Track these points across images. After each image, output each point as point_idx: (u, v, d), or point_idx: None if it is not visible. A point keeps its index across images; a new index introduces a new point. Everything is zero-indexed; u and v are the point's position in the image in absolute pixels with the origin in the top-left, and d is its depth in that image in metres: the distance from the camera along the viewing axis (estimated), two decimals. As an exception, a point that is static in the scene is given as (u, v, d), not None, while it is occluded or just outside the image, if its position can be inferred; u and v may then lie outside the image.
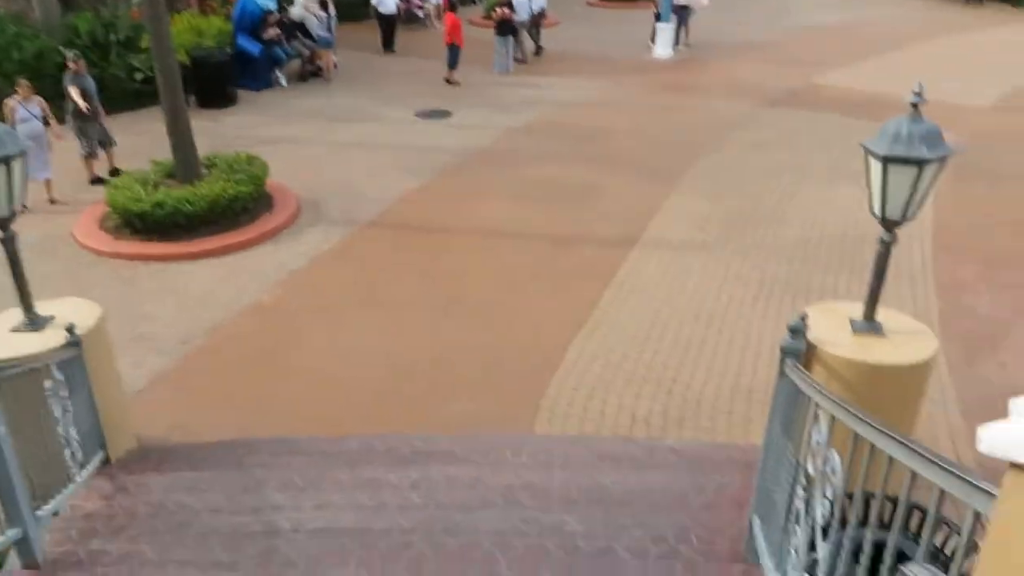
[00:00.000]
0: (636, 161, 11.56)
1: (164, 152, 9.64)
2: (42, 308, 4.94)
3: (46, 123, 9.97)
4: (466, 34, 16.13)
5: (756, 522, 3.71)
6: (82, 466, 4.70)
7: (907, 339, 4.83)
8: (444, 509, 4.20)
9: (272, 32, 15.33)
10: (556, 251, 8.81)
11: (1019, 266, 8.43)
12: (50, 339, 4.71)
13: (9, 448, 3.50)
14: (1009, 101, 14.84)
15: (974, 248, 8.69)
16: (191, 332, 7.29)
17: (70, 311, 5.01)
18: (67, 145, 10.39)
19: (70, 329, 4.68)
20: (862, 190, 10.63)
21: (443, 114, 13.91)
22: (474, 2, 25.54)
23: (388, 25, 18.47)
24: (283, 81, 15.78)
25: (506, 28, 16.51)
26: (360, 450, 5.19)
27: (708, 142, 12.36)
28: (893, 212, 4.59)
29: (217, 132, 12.59)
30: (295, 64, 16.29)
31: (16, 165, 4.43)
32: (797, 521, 2.93)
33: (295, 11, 16.52)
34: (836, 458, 2.53)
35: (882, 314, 4.98)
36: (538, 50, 18.49)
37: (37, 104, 9.87)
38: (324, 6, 16.11)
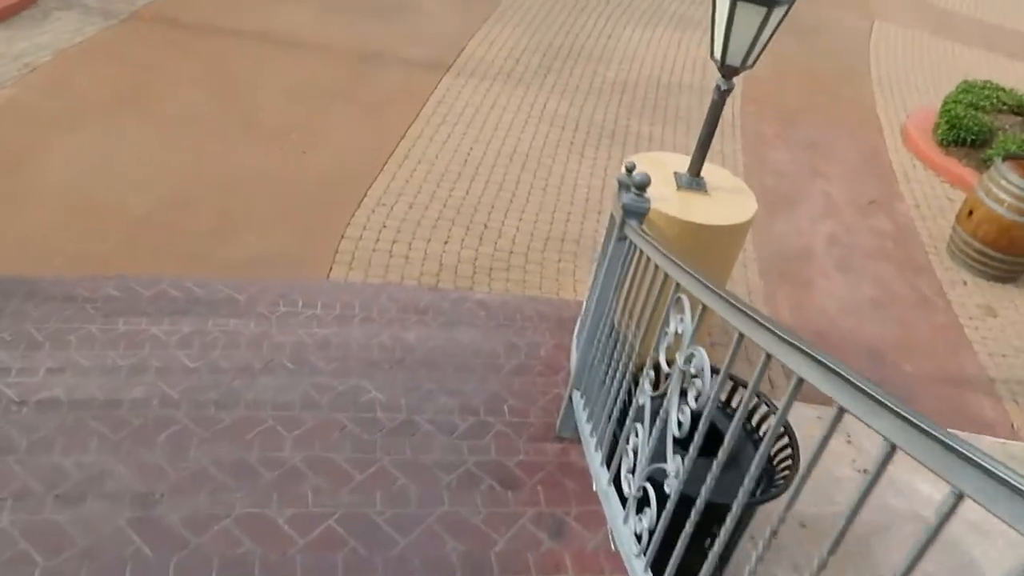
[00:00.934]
0: (453, -23, 10.49)
1: None
2: None
3: None
4: None
5: (576, 398, 3.47)
6: None
7: (729, 197, 4.69)
8: (219, 373, 3.57)
9: None
10: (364, 71, 7.84)
11: (809, 123, 8.71)
12: None
13: None
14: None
15: (774, 103, 8.83)
16: None
17: None
18: None
19: None
20: (680, 34, 10.33)
21: None
22: None
23: None
24: None
25: None
26: (119, 296, 4.34)
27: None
28: (734, 58, 4.26)
29: None
30: None
31: None
32: (640, 419, 2.66)
33: None
34: (704, 356, 2.21)
35: (704, 169, 4.78)
36: None
37: None
38: None
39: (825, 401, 1.68)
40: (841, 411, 1.62)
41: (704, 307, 2.29)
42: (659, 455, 2.46)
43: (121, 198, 5.57)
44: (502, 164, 6.87)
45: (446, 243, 5.80)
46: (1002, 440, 5.10)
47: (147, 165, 5.95)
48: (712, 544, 2.12)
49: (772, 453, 3.34)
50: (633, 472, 2.69)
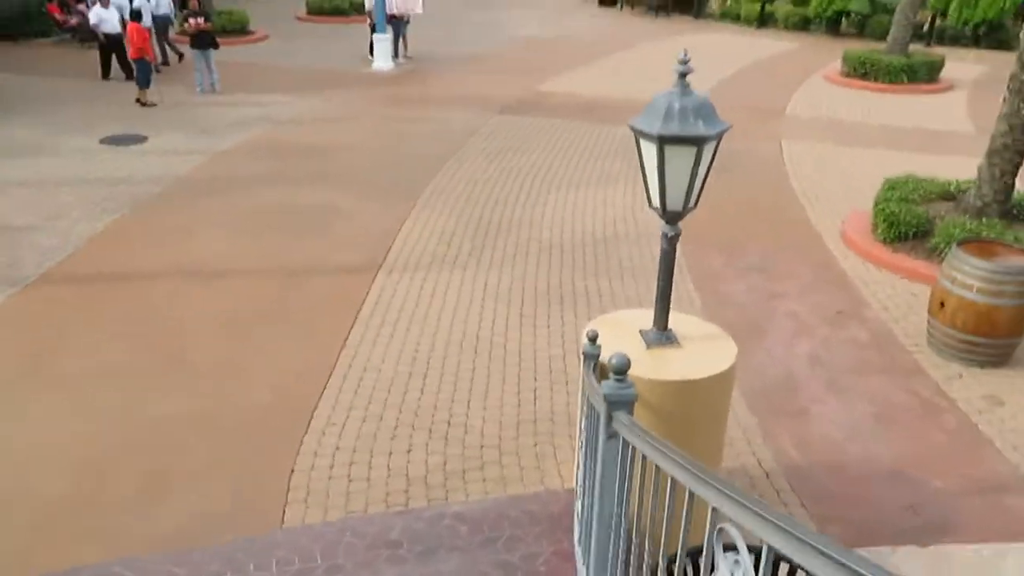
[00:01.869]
0: (369, 179, 10.51)
1: None
2: None
3: None
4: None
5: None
6: None
7: (704, 345, 4.27)
8: None
9: None
10: (290, 287, 7.49)
11: (752, 251, 8.60)
12: None
13: None
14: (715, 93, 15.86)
15: (711, 236, 8.74)
16: None
17: None
18: None
19: None
20: (602, 191, 10.31)
21: (136, 139, 11.84)
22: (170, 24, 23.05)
23: (113, 47, 15.40)
24: (-83, 112, 12.65)
25: (203, 40, 14.61)
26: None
27: (443, 154, 11.65)
28: (674, 202, 4.00)
29: None
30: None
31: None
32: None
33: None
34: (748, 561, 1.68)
35: (670, 320, 4.40)
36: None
37: None
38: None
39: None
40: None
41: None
42: None
43: (25, 482, 4.87)
44: (453, 353, 6.42)
45: (409, 452, 5.20)
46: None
47: (56, 436, 5.30)
48: None
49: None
50: None
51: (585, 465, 3.32)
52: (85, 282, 7.54)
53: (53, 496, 4.76)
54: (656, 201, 4.01)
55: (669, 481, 2.24)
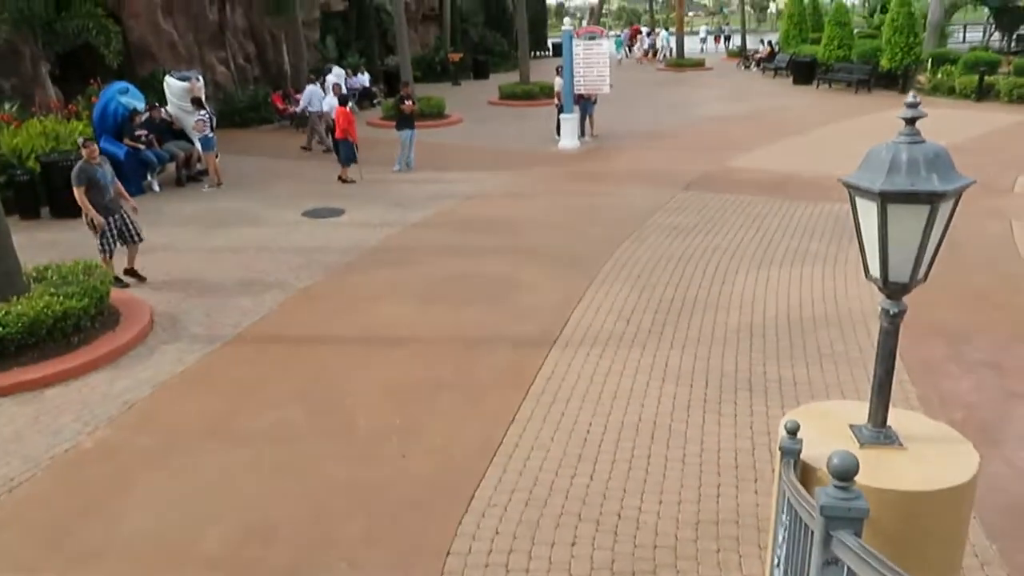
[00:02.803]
0: (550, 253, 10.35)
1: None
2: None
3: None
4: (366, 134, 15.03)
5: None
6: None
7: (935, 450, 3.51)
8: None
9: (139, 133, 13.83)
10: (465, 357, 7.33)
11: (983, 340, 7.43)
12: None
13: None
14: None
15: (926, 323, 7.64)
16: (-26, 497, 5.41)
17: None
18: None
19: None
20: (797, 270, 9.35)
21: (334, 212, 12.54)
22: (374, 105, 24.86)
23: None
24: (156, 187, 14.21)
25: (410, 122, 15.45)
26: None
27: (626, 229, 11.32)
28: (899, 272, 3.35)
29: (71, 242, 10.87)
30: (171, 169, 14.78)
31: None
32: None
33: (170, 109, 15.13)
34: None
35: (890, 416, 3.69)
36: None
37: None
38: (199, 103, 14.63)
39: None
40: None
41: None
42: None
43: (195, 537, 4.87)
44: (627, 437, 5.91)
45: (574, 545, 4.71)
46: None
47: (230, 494, 5.33)
48: None
49: None
50: None
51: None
52: (273, 342, 7.83)
53: (216, 554, 4.72)
54: (875, 271, 3.39)
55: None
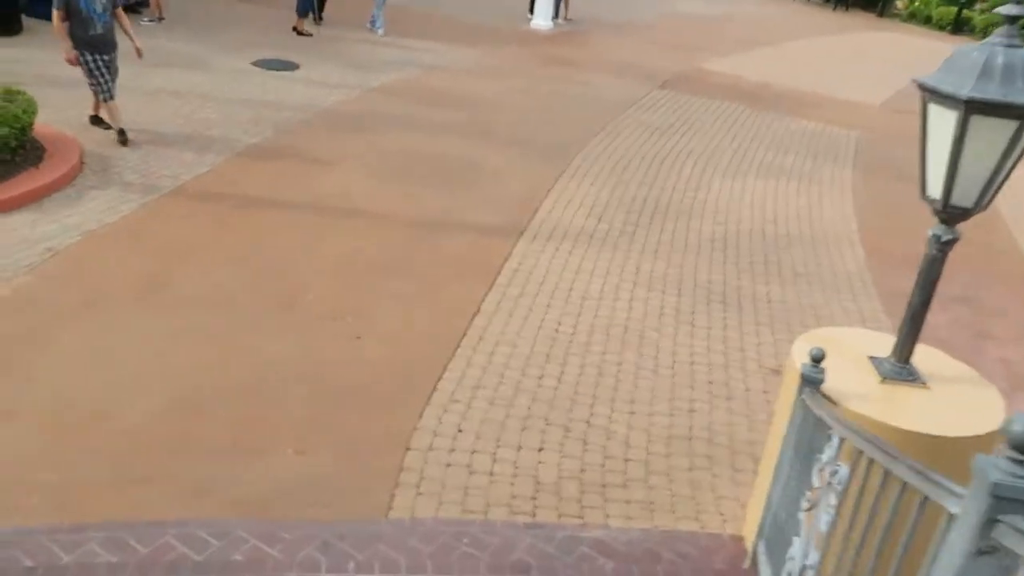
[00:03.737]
0: (517, 138, 9.73)
1: None
2: None
3: None
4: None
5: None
6: None
7: (960, 393, 3.27)
8: None
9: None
10: (424, 241, 6.82)
11: (950, 274, 7.31)
12: None
13: None
14: (895, 103, 14.22)
15: (904, 254, 7.49)
16: None
17: None
18: None
19: None
20: (772, 184, 8.96)
21: (288, 66, 11.51)
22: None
23: None
24: (87, 14, 12.73)
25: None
26: (102, 559, 3.04)
27: (599, 122, 10.74)
28: (964, 195, 2.98)
29: (6, 59, 9.70)
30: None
31: None
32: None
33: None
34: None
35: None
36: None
37: None
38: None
39: None
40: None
41: None
42: None
43: (114, 406, 4.39)
44: (598, 340, 5.59)
45: (540, 451, 4.43)
46: None
47: (159, 359, 4.82)
48: None
49: None
50: None
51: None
52: (213, 200, 7.12)
53: (140, 426, 4.26)
54: (935, 191, 3.02)
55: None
